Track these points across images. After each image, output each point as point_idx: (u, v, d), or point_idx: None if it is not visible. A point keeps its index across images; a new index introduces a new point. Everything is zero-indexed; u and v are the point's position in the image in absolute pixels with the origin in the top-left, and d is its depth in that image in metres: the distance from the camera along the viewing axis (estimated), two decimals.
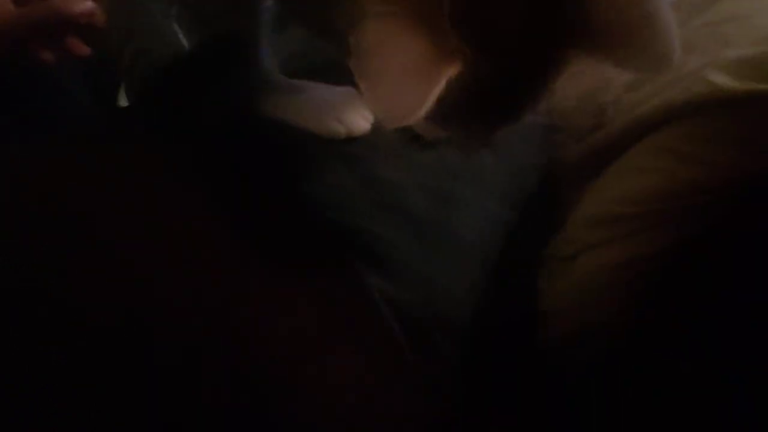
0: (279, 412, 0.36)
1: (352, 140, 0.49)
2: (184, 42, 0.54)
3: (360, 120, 0.48)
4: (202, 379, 0.35)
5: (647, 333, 0.42)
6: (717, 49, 0.45)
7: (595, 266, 0.44)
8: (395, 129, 0.34)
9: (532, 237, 0.45)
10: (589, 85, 0.48)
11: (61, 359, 0.36)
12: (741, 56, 0.43)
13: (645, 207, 0.43)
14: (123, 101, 0.79)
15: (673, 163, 0.42)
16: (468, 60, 0.30)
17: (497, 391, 0.44)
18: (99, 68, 0.80)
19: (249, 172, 0.47)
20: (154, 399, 0.35)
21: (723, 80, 0.42)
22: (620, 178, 0.45)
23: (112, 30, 0.56)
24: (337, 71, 0.50)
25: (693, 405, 0.40)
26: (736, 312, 0.39)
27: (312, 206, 0.47)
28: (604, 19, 0.32)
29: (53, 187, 0.43)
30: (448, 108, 0.32)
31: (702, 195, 0.42)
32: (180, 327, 0.36)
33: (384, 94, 0.30)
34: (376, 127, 0.47)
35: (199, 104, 0.49)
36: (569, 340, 0.44)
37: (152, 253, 0.39)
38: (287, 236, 0.44)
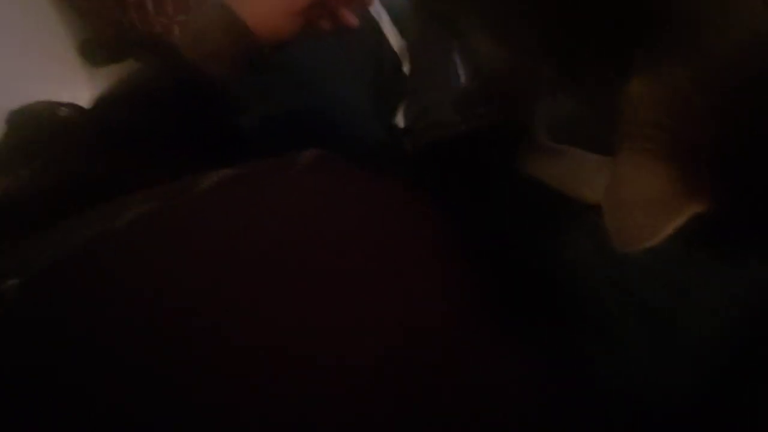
0: None
1: (598, 209, 0.51)
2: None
3: None
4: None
5: None
6: None
7: None
8: None
9: None
10: None
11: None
12: None
13: None
14: (400, 123, 0.89)
15: None
16: (717, 200, 0.31)
17: None
18: (383, 93, 0.89)
19: (498, 223, 0.52)
20: None
21: None
22: None
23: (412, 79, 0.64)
24: (596, 141, 0.52)
25: None
26: None
27: (548, 265, 0.50)
28: None
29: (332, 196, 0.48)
30: (693, 229, 0.33)
31: None
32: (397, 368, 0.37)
33: (622, 220, 0.32)
34: None
35: (472, 156, 0.54)
36: None
37: (386, 293, 0.41)
38: (517, 292, 0.47)
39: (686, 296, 0.44)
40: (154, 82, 0.65)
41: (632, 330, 0.45)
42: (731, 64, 0.31)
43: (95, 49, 1.68)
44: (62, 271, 0.35)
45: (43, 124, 1.06)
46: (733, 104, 0.31)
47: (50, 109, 1.30)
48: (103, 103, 0.68)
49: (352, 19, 0.68)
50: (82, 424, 0.32)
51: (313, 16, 0.66)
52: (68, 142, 0.66)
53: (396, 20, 0.87)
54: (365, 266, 0.41)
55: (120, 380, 0.33)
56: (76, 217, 0.40)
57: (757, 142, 0.31)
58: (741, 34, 0.32)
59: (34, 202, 0.55)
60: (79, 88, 1.70)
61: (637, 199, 0.33)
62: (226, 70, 0.64)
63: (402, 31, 0.86)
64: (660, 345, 0.44)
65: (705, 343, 0.44)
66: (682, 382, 0.44)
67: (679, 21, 0.33)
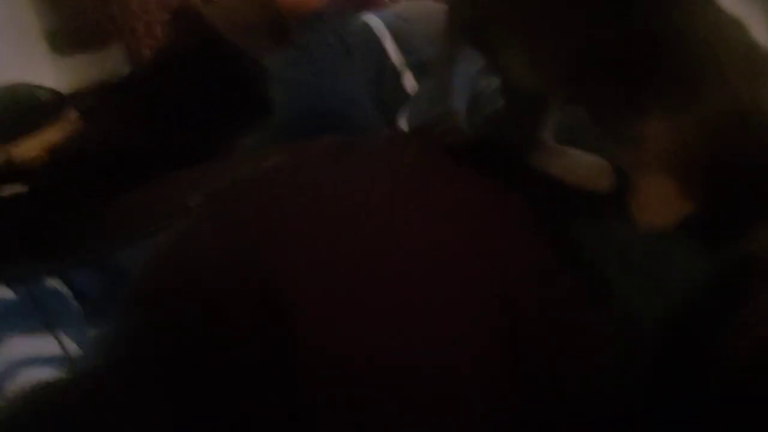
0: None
1: (597, 197, 0.65)
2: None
3: (607, 180, 0.65)
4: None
5: None
6: None
7: None
8: None
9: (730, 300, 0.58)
10: None
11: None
12: None
13: None
14: (403, 125, 1.01)
15: None
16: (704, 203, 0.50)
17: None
18: (383, 100, 1.01)
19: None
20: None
21: None
22: None
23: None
24: (590, 144, 0.67)
25: None
26: None
27: (564, 242, 0.63)
28: None
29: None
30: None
31: None
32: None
33: (644, 212, 0.50)
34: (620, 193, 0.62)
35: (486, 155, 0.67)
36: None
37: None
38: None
39: (668, 260, 0.59)
40: (190, 53, 0.72)
41: (626, 285, 0.59)
42: (717, 118, 0.50)
43: (63, 39, 1.68)
44: (232, 193, 0.46)
45: (23, 105, 1.12)
46: (719, 142, 0.50)
47: (29, 91, 1.33)
48: (141, 72, 0.74)
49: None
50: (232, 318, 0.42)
51: None
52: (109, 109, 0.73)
53: (396, 37, 1.00)
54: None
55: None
56: (225, 159, 0.51)
57: (733, 168, 0.50)
58: (718, 100, 0.51)
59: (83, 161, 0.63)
60: (44, 75, 1.70)
61: (653, 199, 0.51)
62: (255, 44, 0.74)
63: (403, 49, 0.99)
64: (648, 295, 0.59)
65: (681, 294, 0.58)
66: (665, 321, 0.58)
67: (683, 85, 0.51)
